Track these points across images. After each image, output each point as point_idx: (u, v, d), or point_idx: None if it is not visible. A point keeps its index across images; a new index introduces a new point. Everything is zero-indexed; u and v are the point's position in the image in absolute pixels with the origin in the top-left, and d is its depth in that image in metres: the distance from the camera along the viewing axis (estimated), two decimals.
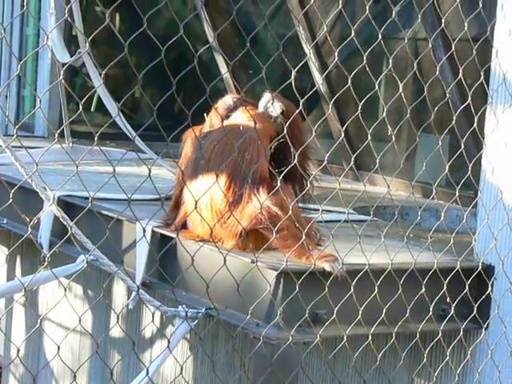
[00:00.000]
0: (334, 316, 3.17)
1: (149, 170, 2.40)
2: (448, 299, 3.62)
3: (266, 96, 3.95)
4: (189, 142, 3.88)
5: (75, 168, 2.45)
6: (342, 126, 6.33)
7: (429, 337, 3.76)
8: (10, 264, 6.37)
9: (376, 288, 3.26)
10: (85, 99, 2.86)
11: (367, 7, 2.88)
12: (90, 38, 2.58)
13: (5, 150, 3.16)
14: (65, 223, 3.30)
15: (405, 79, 3.31)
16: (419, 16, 3.13)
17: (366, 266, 3.25)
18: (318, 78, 6.56)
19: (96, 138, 2.37)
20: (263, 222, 3.44)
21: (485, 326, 3.88)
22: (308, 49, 6.20)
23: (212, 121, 3.91)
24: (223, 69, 7.88)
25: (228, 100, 3.98)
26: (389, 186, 3.30)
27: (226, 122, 3.83)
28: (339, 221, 3.87)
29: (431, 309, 3.50)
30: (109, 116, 6.75)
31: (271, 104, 3.89)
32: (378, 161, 3.21)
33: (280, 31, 7.94)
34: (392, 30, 3.85)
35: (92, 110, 8.85)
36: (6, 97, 8.39)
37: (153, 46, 2.66)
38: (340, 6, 2.76)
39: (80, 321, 2.51)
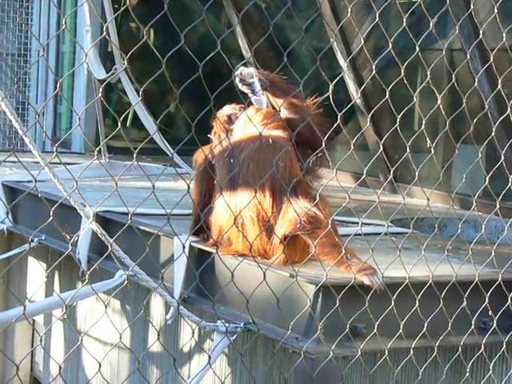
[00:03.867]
0: (375, 330, 3.15)
1: (187, 186, 2.40)
2: (490, 312, 3.57)
3: (244, 72, 3.82)
4: (219, 161, 3.83)
5: (112, 183, 2.46)
6: (378, 138, 6.31)
7: (470, 350, 3.71)
8: (48, 279, 6.40)
9: (417, 301, 3.23)
10: (123, 116, 2.88)
11: (404, 19, 2.87)
12: (128, 55, 2.59)
13: (43, 167, 3.19)
14: (104, 240, 3.31)
15: (441, 90, 3.29)
16: (456, 27, 3.10)
17: (407, 280, 3.22)
18: (354, 91, 6.54)
19: (135, 154, 2.38)
20: (303, 225, 3.44)
21: None
22: (344, 62, 6.19)
23: (220, 136, 3.89)
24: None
25: (228, 111, 3.96)
26: (428, 200, 3.27)
27: (238, 131, 3.81)
28: (377, 233, 3.85)
29: (473, 322, 3.46)
30: (144, 131, 6.79)
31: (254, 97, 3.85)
32: (417, 173, 3.19)
33: (314, 44, 7.93)
34: (427, 40, 3.84)
35: (128, 125, 8.91)
36: (43, 113, 8.47)
37: (187, 61, 2.67)
38: (377, 19, 2.75)
39: (121, 337, 2.51)
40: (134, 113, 7.48)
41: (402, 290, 3.26)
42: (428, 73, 3.03)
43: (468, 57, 4.20)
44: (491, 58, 3.43)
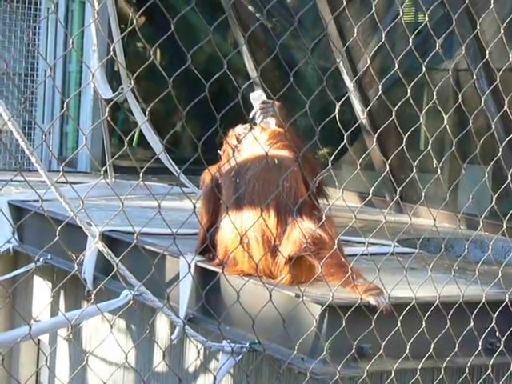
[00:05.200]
0: (381, 351, 3.13)
1: (193, 206, 2.40)
2: (497, 333, 3.55)
3: (255, 111, 3.93)
4: (226, 180, 3.84)
5: (119, 203, 2.46)
6: (384, 157, 6.30)
7: (477, 371, 3.69)
8: (54, 299, 6.39)
9: (423, 322, 3.22)
10: (130, 136, 2.88)
11: (410, 39, 2.87)
12: (135, 75, 2.60)
13: (50, 186, 3.19)
14: (110, 259, 3.31)
15: (447, 110, 3.29)
16: (463, 48, 3.11)
17: (413, 300, 3.21)
18: (360, 110, 6.55)
19: (141, 174, 2.38)
20: (308, 246, 3.43)
21: None
22: (350, 81, 6.20)
23: (229, 155, 3.90)
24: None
25: (238, 132, 3.97)
26: (435, 219, 3.26)
27: (245, 152, 3.82)
28: (383, 253, 3.84)
29: (480, 342, 3.45)
30: (150, 150, 6.79)
31: (263, 119, 3.89)
32: (423, 193, 3.18)
33: (320, 63, 7.95)
34: (433, 60, 3.84)
35: (134, 144, 8.92)
36: (50, 133, 8.49)
37: (193, 80, 2.67)
38: (383, 39, 2.75)
39: (126, 357, 2.50)
40: (141, 132, 7.50)
41: (409, 310, 3.25)
42: (434, 93, 3.03)
43: (474, 77, 4.21)
44: (497, 78, 3.43)
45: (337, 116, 2.72)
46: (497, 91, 4.57)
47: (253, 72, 7.79)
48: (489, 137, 4.42)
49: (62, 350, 6.48)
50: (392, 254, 4.16)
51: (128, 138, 7.14)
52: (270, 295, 2.61)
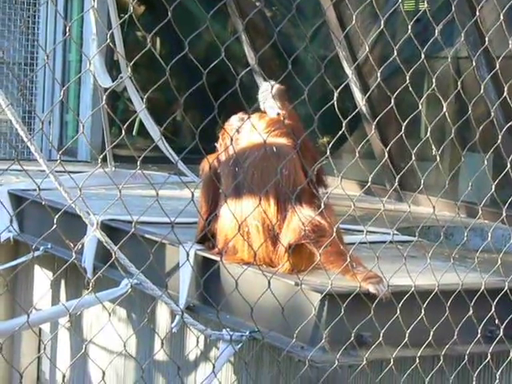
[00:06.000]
0: (380, 339, 3.13)
1: (192, 194, 2.39)
2: (496, 320, 3.55)
3: (263, 93, 3.97)
4: (224, 169, 3.84)
5: (118, 192, 2.45)
6: (384, 145, 6.29)
7: (477, 359, 3.69)
8: (54, 288, 6.40)
9: (423, 310, 3.22)
10: (127, 124, 2.87)
11: (409, 26, 2.86)
12: (132, 63, 2.59)
13: (48, 175, 3.19)
14: (109, 248, 3.31)
15: (447, 98, 3.28)
16: (462, 35, 3.10)
17: (412, 288, 3.21)
18: (360, 99, 6.53)
19: (139, 163, 2.38)
20: (308, 234, 3.43)
21: None
22: (349, 69, 6.19)
23: (226, 145, 3.90)
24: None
25: (235, 121, 3.97)
26: (434, 208, 3.26)
27: (245, 140, 3.82)
28: (383, 242, 3.83)
29: (479, 330, 3.44)
30: (150, 139, 6.79)
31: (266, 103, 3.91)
32: (422, 181, 3.18)
33: (320, 52, 7.93)
34: (433, 48, 3.83)
35: (134, 133, 8.91)
36: (50, 122, 8.48)
37: (193, 69, 2.67)
38: (382, 26, 2.74)
39: (125, 346, 2.50)
40: (141, 122, 7.49)
41: (408, 298, 3.25)
42: (433, 80, 3.02)
43: (474, 64, 4.19)
44: (497, 65, 3.42)
45: (335, 104, 2.71)
46: (497, 78, 4.56)
47: (252, 61, 7.77)
48: (489, 124, 4.42)
49: (63, 338, 6.49)
50: (391, 242, 4.15)
51: (127, 127, 7.13)
52: (269, 283, 2.61)
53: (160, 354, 5.33)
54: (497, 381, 3.63)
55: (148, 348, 5.47)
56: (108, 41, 2.53)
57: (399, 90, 2.96)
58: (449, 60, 3.21)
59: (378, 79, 2.89)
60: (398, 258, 3.36)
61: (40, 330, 6.66)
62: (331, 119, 3.73)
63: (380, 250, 3.19)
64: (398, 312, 3.15)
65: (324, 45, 7.85)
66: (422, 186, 3.19)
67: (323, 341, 3.08)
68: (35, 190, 5.39)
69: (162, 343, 3.71)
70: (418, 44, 3.07)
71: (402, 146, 3.59)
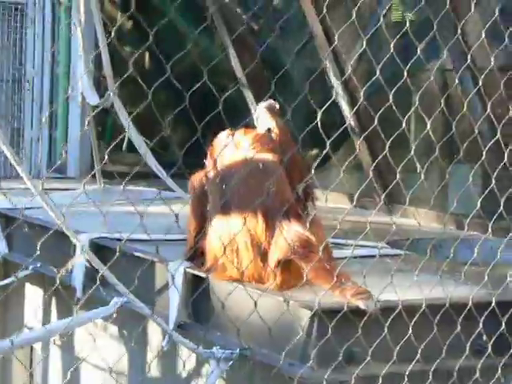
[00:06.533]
0: (369, 355, 3.13)
1: (173, 212, 2.39)
2: (484, 336, 3.54)
3: (258, 110, 4.01)
4: (211, 186, 3.82)
5: (108, 209, 2.47)
6: (373, 158, 6.30)
7: (466, 373, 3.68)
8: (46, 307, 6.38)
9: (410, 327, 3.22)
10: (115, 142, 2.88)
11: (392, 45, 2.88)
12: (119, 82, 2.61)
13: (36, 194, 3.19)
14: (97, 267, 3.31)
15: (435, 110, 3.29)
16: (444, 52, 3.13)
17: (399, 304, 3.21)
18: (348, 113, 6.54)
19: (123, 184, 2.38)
20: (296, 250, 3.43)
21: None
22: (337, 84, 6.20)
23: (214, 162, 3.90)
24: (252, 104, 7.89)
25: (223, 137, 3.96)
26: (419, 223, 3.26)
27: (231, 157, 3.82)
28: (373, 256, 3.84)
29: (468, 345, 3.44)
30: (140, 155, 6.76)
31: (259, 120, 3.94)
32: (408, 195, 3.20)
33: (307, 65, 7.94)
34: (420, 61, 3.84)
35: (123, 149, 8.89)
36: (38, 139, 8.46)
37: (181, 83, 2.68)
38: (364, 46, 2.76)
39: (110, 371, 2.49)
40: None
41: (398, 313, 3.25)
42: (417, 98, 3.04)
43: (457, 79, 4.19)
44: (480, 80, 3.44)
45: (319, 121, 2.72)
46: (482, 91, 4.58)
47: (240, 75, 7.78)
48: (475, 137, 4.44)
49: (54, 358, 6.47)
50: (380, 256, 4.15)
51: (117, 143, 7.12)
52: (256, 304, 2.61)
53: (153, 372, 5.31)
54: None
55: (140, 365, 5.45)
56: (92, 56, 2.54)
57: (382, 109, 2.97)
58: (432, 74, 3.22)
59: (361, 99, 2.90)
60: (388, 272, 3.36)
61: (31, 347, 6.64)
62: (320, 132, 3.74)
63: (368, 266, 3.20)
64: (386, 329, 3.15)
65: (311, 57, 7.86)
66: (407, 199, 3.21)
67: (311, 360, 3.08)
68: (25, 208, 5.40)
69: (151, 362, 3.69)
70: (406, 57, 3.08)
71: (391, 158, 3.60)
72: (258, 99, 7.54)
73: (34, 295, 6.30)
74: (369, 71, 6.46)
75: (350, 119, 6.36)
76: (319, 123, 2.79)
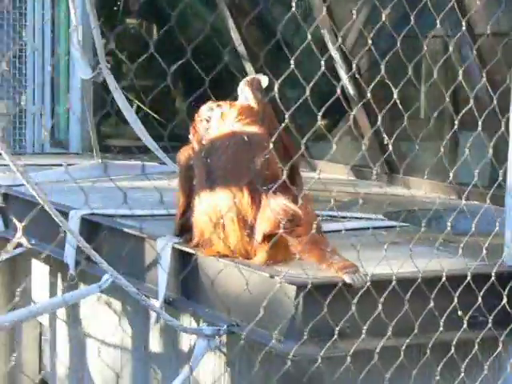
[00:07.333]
0: (362, 329, 3.05)
1: (154, 187, 2.31)
2: (482, 307, 3.46)
3: (241, 84, 3.94)
4: (196, 161, 3.75)
5: (104, 185, 2.41)
6: (372, 127, 6.19)
7: (463, 346, 3.60)
8: (52, 280, 6.39)
9: (404, 300, 3.14)
10: (103, 111, 2.82)
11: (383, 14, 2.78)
12: (107, 52, 2.53)
13: (19, 171, 3.14)
14: (80, 245, 3.26)
15: (439, 75, 3.21)
16: (437, 19, 3.06)
17: (393, 277, 3.12)
18: (347, 82, 6.41)
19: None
20: (283, 223, 3.33)
21: None
22: (336, 53, 6.08)
23: (198, 136, 3.82)
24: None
25: (205, 111, 3.87)
26: (409, 189, 3.17)
27: (213, 129, 3.74)
28: (368, 228, 3.77)
29: (465, 317, 3.36)
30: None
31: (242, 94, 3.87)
32: (404, 163, 3.10)
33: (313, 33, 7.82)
34: (425, 27, 3.75)
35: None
36: (41, 115, 8.43)
37: (186, 55, 2.66)
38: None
39: (107, 347, 2.42)
40: (136, 110, 7.41)
41: (389, 286, 3.16)
42: (410, 66, 2.95)
43: (451, 46, 4.07)
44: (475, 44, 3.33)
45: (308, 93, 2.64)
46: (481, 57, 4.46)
47: (240, 46, 7.67)
48: (478, 104, 4.33)
49: (61, 332, 6.48)
50: (375, 227, 4.07)
51: (120, 118, 7.05)
52: (247, 283, 2.54)
53: (156, 346, 5.29)
54: (484, 368, 3.55)
55: (143, 337, 5.43)
56: (75, 27, 2.48)
57: (376, 79, 2.87)
58: (426, 40, 3.13)
59: (353, 71, 2.80)
60: (382, 244, 3.27)
61: (40, 323, 6.68)
62: (322, 103, 3.65)
63: (361, 238, 3.12)
64: (379, 303, 3.07)
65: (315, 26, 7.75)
66: (402, 168, 3.12)
67: (300, 334, 3.00)
68: (21, 185, 5.36)
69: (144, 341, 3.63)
70: (406, 24, 3.00)
71: (393, 127, 3.52)
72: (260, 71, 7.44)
73: (41, 270, 6.31)
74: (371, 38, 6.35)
75: (349, 89, 6.23)
76: (309, 101, 2.71)
